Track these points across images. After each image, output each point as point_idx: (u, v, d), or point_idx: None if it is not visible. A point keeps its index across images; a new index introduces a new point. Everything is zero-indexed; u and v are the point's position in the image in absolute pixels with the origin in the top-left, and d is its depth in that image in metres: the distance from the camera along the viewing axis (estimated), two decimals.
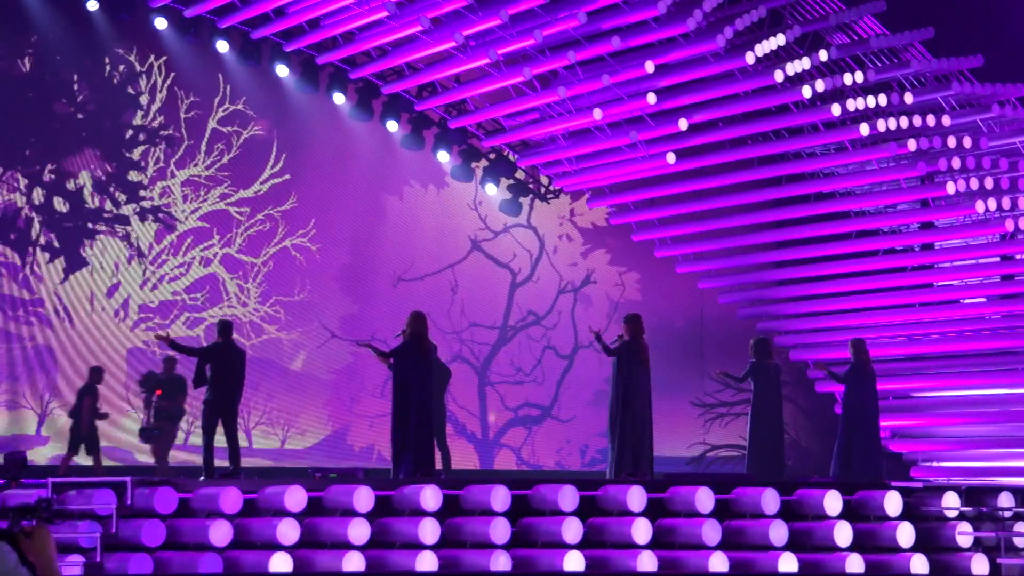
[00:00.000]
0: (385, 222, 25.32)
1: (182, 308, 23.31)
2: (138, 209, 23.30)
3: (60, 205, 22.84)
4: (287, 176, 24.29)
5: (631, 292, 26.82)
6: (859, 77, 21.64)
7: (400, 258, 25.35)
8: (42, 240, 22.72)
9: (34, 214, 22.69)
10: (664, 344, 25.88)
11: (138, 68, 23.41)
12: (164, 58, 23.50)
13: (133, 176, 23.31)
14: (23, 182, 22.62)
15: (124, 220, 23.21)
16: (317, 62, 23.67)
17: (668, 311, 26.51)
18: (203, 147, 23.81)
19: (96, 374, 20.74)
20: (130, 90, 23.45)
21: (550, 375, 26.31)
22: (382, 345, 17.63)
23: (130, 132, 23.41)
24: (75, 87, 23.16)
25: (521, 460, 25.90)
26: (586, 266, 26.76)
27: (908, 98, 21.78)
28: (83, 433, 20.29)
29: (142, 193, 23.34)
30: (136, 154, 23.35)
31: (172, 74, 23.60)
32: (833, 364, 20.34)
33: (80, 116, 23.12)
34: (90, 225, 23.02)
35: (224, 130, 23.97)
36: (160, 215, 23.45)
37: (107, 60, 23.24)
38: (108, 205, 23.11)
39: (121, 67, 23.38)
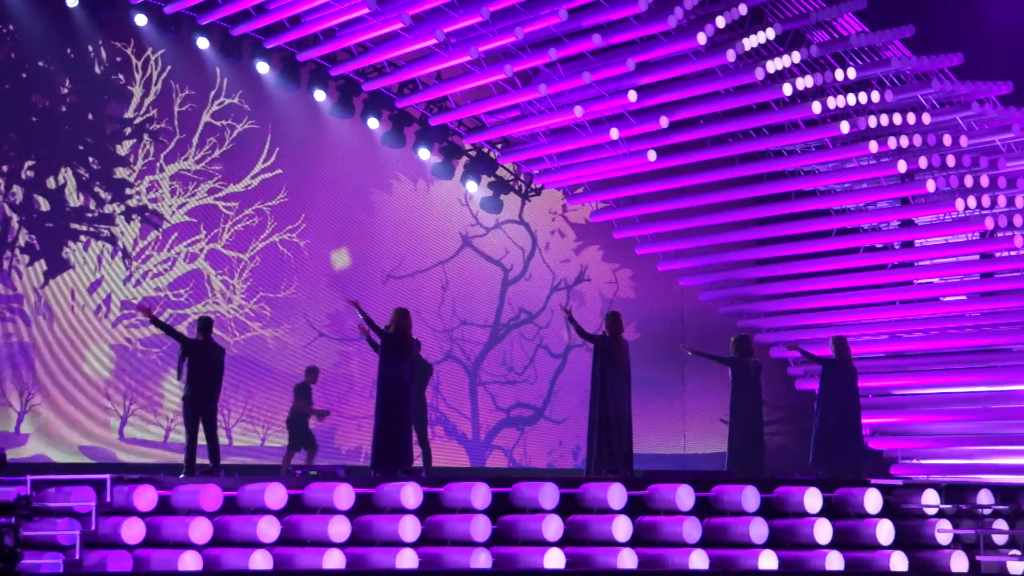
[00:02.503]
0: (373, 218, 25.18)
1: (165, 304, 23.16)
2: (123, 209, 23.15)
3: (42, 204, 22.67)
4: (278, 171, 24.16)
5: (625, 289, 26.70)
6: (839, 75, 21.69)
7: (389, 255, 25.17)
8: (22, 242, 22.54)
9: (13, 214, 22.52)
10: (655, 341, 25.91)
11: (135, 61, 23.28)
12: (162, 51, 23.40)
13: (119, 173, 23.16)
14: (0, 181, 22.47)
15: (109, 220, 23.04)
16: (298, 59, 23.62)
17: (660, 308, 26.42)
18: (195, 140, 23.68)
19: (311, 374, 21.49)
20: (121, 78, 23.28)
21: (543, 375, 26.11)
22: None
23: (117, 126, 23.26)
24: (67, 80, 22.99)
25: (513, 461, 25.74)
26: (579, 262, 26.62)
27: (888, 96, 21.83)
28: (302, 432, 21.05)
29: (128, 191, 23.18)
30: (124, 148, 23.20)
31: (168, 67, 23.48)
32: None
33: (62, 109, 22.99)
34: (73, 226, 22.84)
35: (217, 123, 23.85)
36: (147, 214, 23.29)
37: (91, 50, 23.03)
38: (92, 204, 22.93)
39: (118, 59, 23.23)
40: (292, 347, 24.15)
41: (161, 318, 22.36)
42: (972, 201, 21.60)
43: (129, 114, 23.32)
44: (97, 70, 23.18)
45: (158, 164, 23.40)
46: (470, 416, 25.53)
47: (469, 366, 25.59)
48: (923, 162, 21.57)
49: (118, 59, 23.26)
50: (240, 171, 23.99)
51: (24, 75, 22.75)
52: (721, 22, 20.78)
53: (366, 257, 25.02)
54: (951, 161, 21.70)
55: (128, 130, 23.31)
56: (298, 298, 24.23)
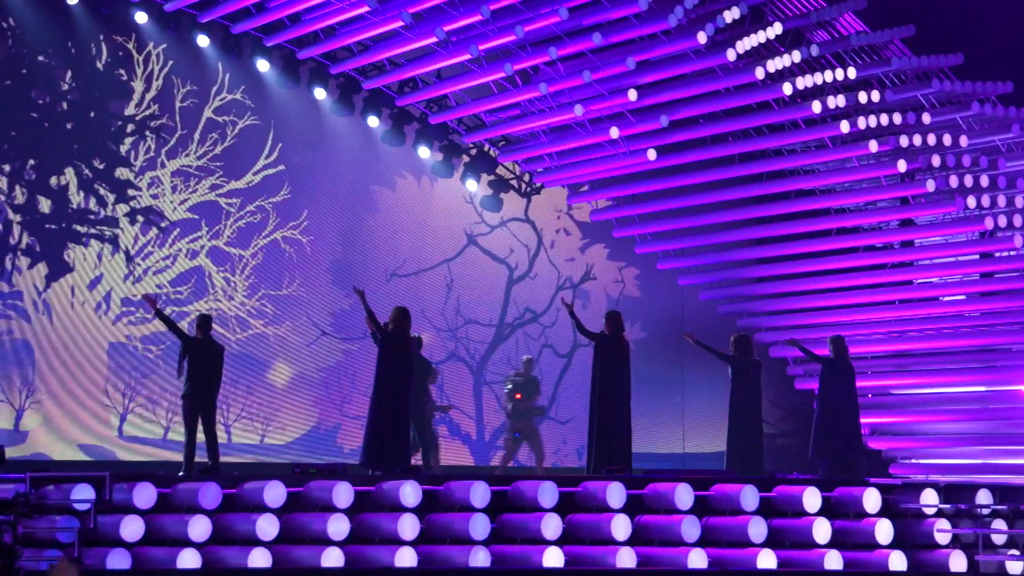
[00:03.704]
0: (377, 215, 25.04)
1: (166, 302, 23.05)
2: (127, 210, 23.04)
3: (43, 205, 22.54)
4: (281, 167, 24.09)
5: (631, 288, 26.58)
6: (840, 74, 21.69)
7: (393, 253, 25.01)
8: (23, 245, 22.44)
9: (15, 216, 22.39)
10: (660, 340, 25.85)
11: (136, 56, 23.20)
12: (163, 45, 23.33)
13: (121, 172, 23.06)
14: (2, 180, 22.37)
15: (112, 222, 22.94)
16: (298, 57, 23.62)
17: (666, 307, 26.30)
18: (196, 136, 23.59)
19: (431, 374, 21.74)
20: (123, 73, 23.20)
21: (548, 375, 25.80)
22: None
23: (118, 122, 23.17)
24: (68, 75, 22.87)
25: (517, 462, 25.55)
26: (585, 261, 26.43)
27: (888, 95, 21.83)
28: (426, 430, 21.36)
29: (131, 192, 23.08)
30: (126, 145, 23.08)
31: (170, 62, 23.40)
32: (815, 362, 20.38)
33: (63, 105, 22.90)
34: (75, 227, 22.72)
35: (219, 119, 23.76)
36: (151, 216, 23.19)
37: (92, 45, 22.94)
38: (92, 204, 22.82)
39: (120, 53, 23.10)
40: (294, 345, 24.08)
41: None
42: (972, 201, 21.62)
43: (130, 110, 23.25)
44: (99, 65, 23.10)
45: (159, 160, 23.32)
46: (474, 416, 25.40)
47: (473, 366, 25.45)
48: (923, 162, 21.58)
49: (120, 54, 23.19)
50: (242, 167, 23.92)
51: (24, 71, 22.69)
52: (721, 21, 20.78)
53: (369, 255, 24.90)
54: (951, 161, 21.71)
55: (130, 127, 23.24)
56: (300, 295, 24.15)
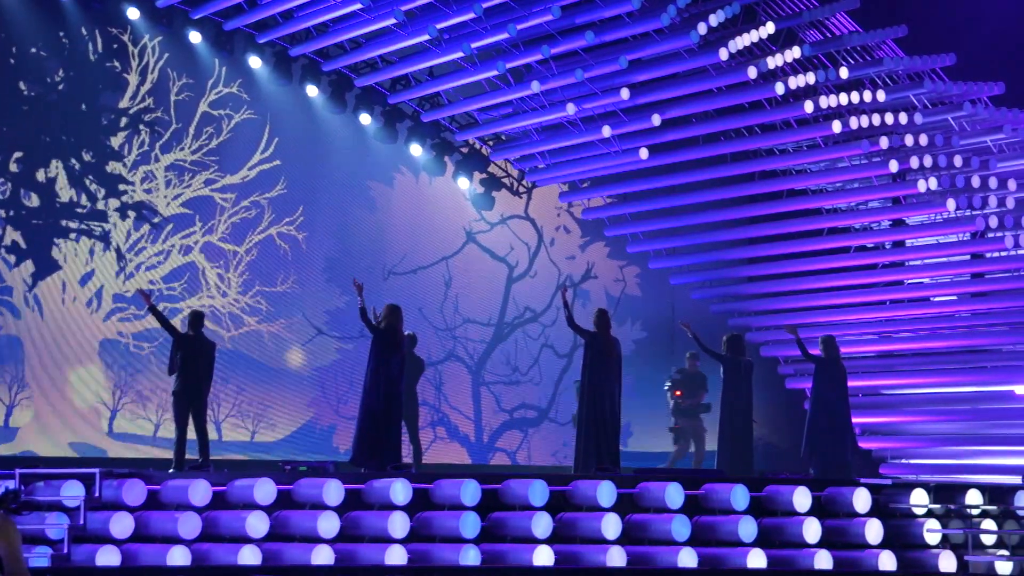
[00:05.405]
0: (374, 212, 24.86)
1: (158, 298, 22.89)
2: (118, 205, 22.95)
3: (32, 199, 22.45)
4: (276, 162, 24.00)
5: (632, 287, 26.49)
6: (832, 74, 21.70)
7: (391, 250, 24.86)
8: (8, 241, 22.28)
9: (0, 210, 22.26)
10: (658, 339, 25.84)
11: (131, 48, 23.10)
12: (159, 38, 23.25)
13: (113, 167, 22.97)
14: None
15: (101, 216, 22.86)
16: (290, 54, 23.60)
17: (666, 306, 26.25)
18: (191, 130, 23.51)
19: None
20: (117, 65, 23.09)
21: (547, 375, 25.69)
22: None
23: (111, 116, 23.09)
24: (59, 67, 22.68)
25: (516, 464, 25.51)
26: (585, 259, 26.32)
27: (881, 96, 21.85)
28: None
29: (122, 187, 22.99)
30: (119, 139, 22.97)
31: (165, 54, 23.32)
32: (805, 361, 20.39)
33: (53, 98, 22.81)
34: (63, 223, 22.62)
35: (215, 113, 23.69)
36: (143, 211, 23.09)
37: (84, 33, 22.75)
38: (84, 199, 22.73)
39: (114, 45, 22.99)
40: (288, 343, 23.97)
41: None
42: (963, 201, 21.64)
43: (124, 103, 23.18)
44: (91, 56, 22.99)
45: (153, 154, 23.21)
46: (472, 417, 25.29)
47: (472, 366, 25.35)
48: (914, 162, 21.60)
49: (114, 46, 23.09)
50: (237, 162, 23.84)
51: (12, 61, 22.56)
52: (714, 20, 20.80)
53: (366, 252, 24.80)
54: (943, 161, 21.74)
55: (124, 120, 23.16)
56: (295, 292, 24.05)
